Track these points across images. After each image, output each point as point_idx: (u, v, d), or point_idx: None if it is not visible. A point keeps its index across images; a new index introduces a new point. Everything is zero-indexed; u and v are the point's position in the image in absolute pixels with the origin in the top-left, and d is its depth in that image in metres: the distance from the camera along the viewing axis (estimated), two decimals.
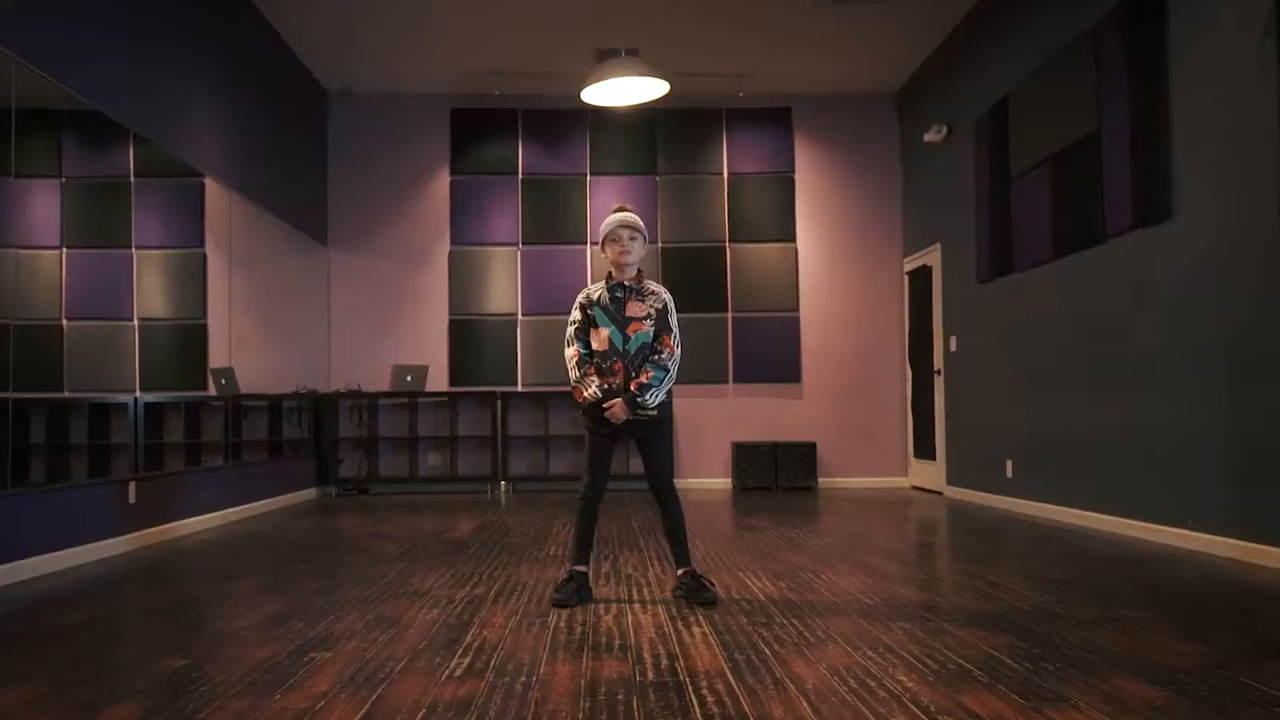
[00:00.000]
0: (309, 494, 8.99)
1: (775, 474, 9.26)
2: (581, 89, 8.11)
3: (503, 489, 9.30)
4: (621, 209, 3.82)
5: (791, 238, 9.70)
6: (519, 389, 9.49)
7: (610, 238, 3.77)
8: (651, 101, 8.62)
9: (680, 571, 3.75)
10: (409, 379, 9.25)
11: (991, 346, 7.55)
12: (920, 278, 9.18)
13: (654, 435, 3.77)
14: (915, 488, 9.35)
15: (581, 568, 3.76)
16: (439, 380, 9.49)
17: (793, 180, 9.76)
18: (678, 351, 3.75)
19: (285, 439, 8.93)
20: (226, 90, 7.32)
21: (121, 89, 5.78)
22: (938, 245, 8.71)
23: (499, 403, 9.32)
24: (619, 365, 3.71)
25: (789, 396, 9.62)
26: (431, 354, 9.53)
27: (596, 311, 3.76)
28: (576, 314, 3.82)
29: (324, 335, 9.52)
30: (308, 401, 9.12)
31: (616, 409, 3.66)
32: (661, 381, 3.68)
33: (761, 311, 9.58)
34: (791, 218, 9.71)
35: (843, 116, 9.79)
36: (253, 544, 5.72)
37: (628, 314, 3.73)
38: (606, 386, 3.69)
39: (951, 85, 8.38)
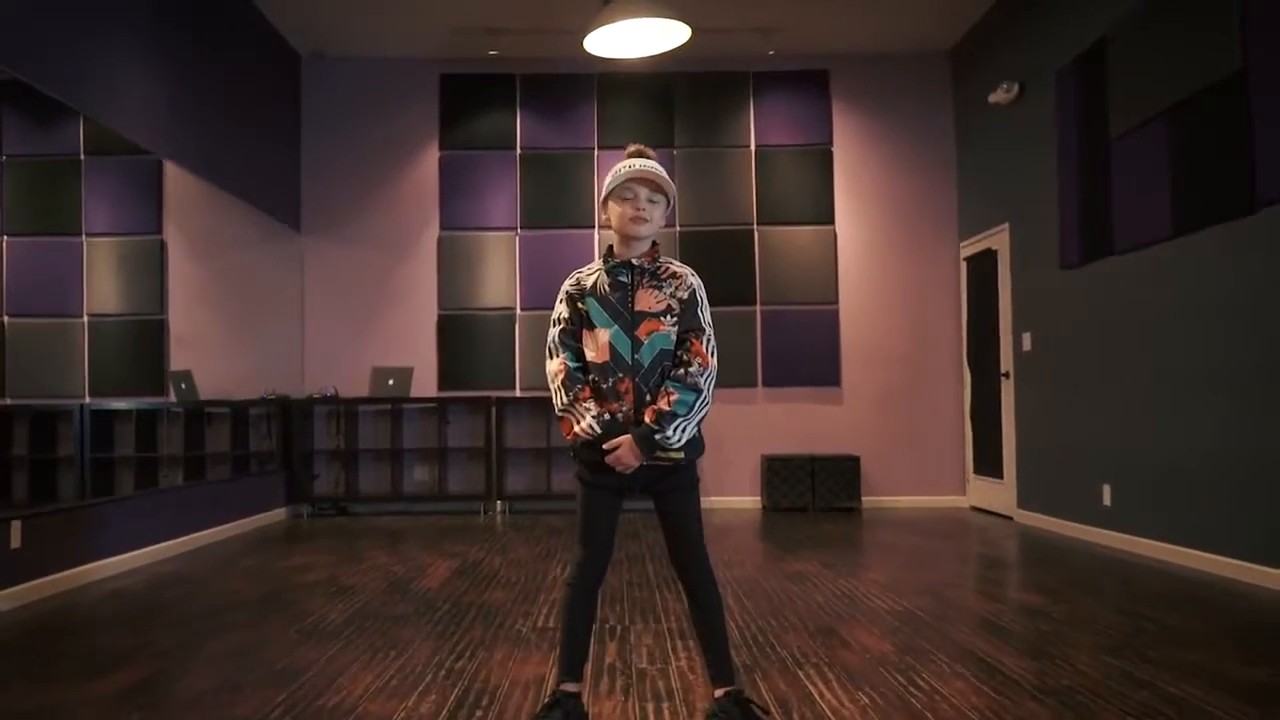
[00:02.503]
0: (277, 515, 7.81)
1: (812, 492, 8.01)
2: (587, 45, 6.87)
3: (498, 509, 8.09)
4: (640, 153, 2.58)
5: (829, 219, 8.43)
6: (517, 393, 8.27)
7: (619, 193, 2.54)
8: (669, 53, 7.33)
9: (719, 693, 2.51)
10: (391, 383, 8.05)
11: (1080, 345, 6.27)
12: (982, 264, 7.91)
13: (678, 489, 2.53)
14: (975, 509, 8.08)
15: (571, 686, 2.52)
16: (426, 384, 8.28)
17: (830, 153, 8.49)
18: (713, 362, 2.50)
19: (251, 451, 7.79)
20: (173, 50, 6.12)
21: (33, 44, 4.58)
22: (1005, 226, 7.43)
23: (494, 409, 8.11)
24: (627, 384, 2.47)
25: (827, 402, 8.36)
26: (418, 354, 8.32)
27: (592, 304, 2.53)
28: (562, 308, 2.59)
29: (296, 333, 8.32)
30: (277, 408, 7.94)
31: (623, 451, 2.43)
32: (691, 408, 2.45)
33: (795, 304, 8.33)
34: (829, 196, 8.45)
35: (888, 79, 8.51)
36: (168, 600, 4.52)
37: (639, 307, 2.50)
38: (608, 417, 2.46)
39: (1023, 34, 7.09)
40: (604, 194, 2.58)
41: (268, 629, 3.83)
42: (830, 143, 8.49)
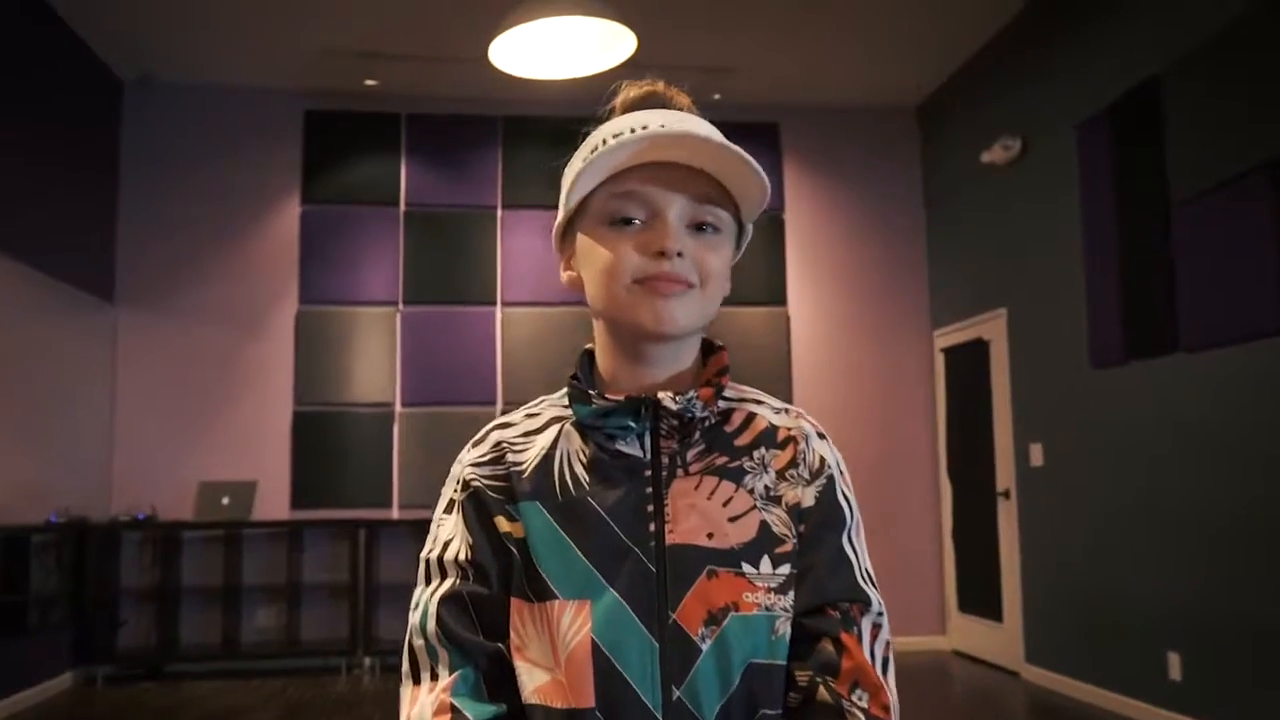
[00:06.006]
0: (60, 684, 5.82)
1: None
2: (491, 84, 5.32)
3: (365, 666, 6.23)
4: (655, 95, 1.00)
5: (781, 299, 7.02)
6: (394, 514, 6.50)
7: (605, 204, 0.92)
8: (591, 95, 5.78)
9: None
10: (226, 501, 6.19)
11: (1122, 463, 4.90)
12: (967, 357, 6.56)
13: None
14: (960, 654, 6.61)
15: None
16: (275, 502, 6.43)
17: (782, 221, 7.11)
18: (892, 693, 0.89)
19: (31, 595, 5.78)
20: None
21: None
22: (1001, 311, 6.10)
23: (363, 535, 6.31)
24: None
25: None
26: (265, 463, 6.48)
27: (537, 523, 0.92)
28: (453, 528, 0.96)
29: (103, 435, 6.39)
30: (69, 535, 5.98)
31: None
32: None
33: None
34: (781, 271, 7.05)
35: (846, 135, 7.21)
36: None
37: (678, 536, 0.90)
38: None
39: (1021, 83, 5.86)
40: (563, 208, 0.97)
41: None
42: (781, 208, 7.11)
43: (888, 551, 6.81)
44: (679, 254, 0.90)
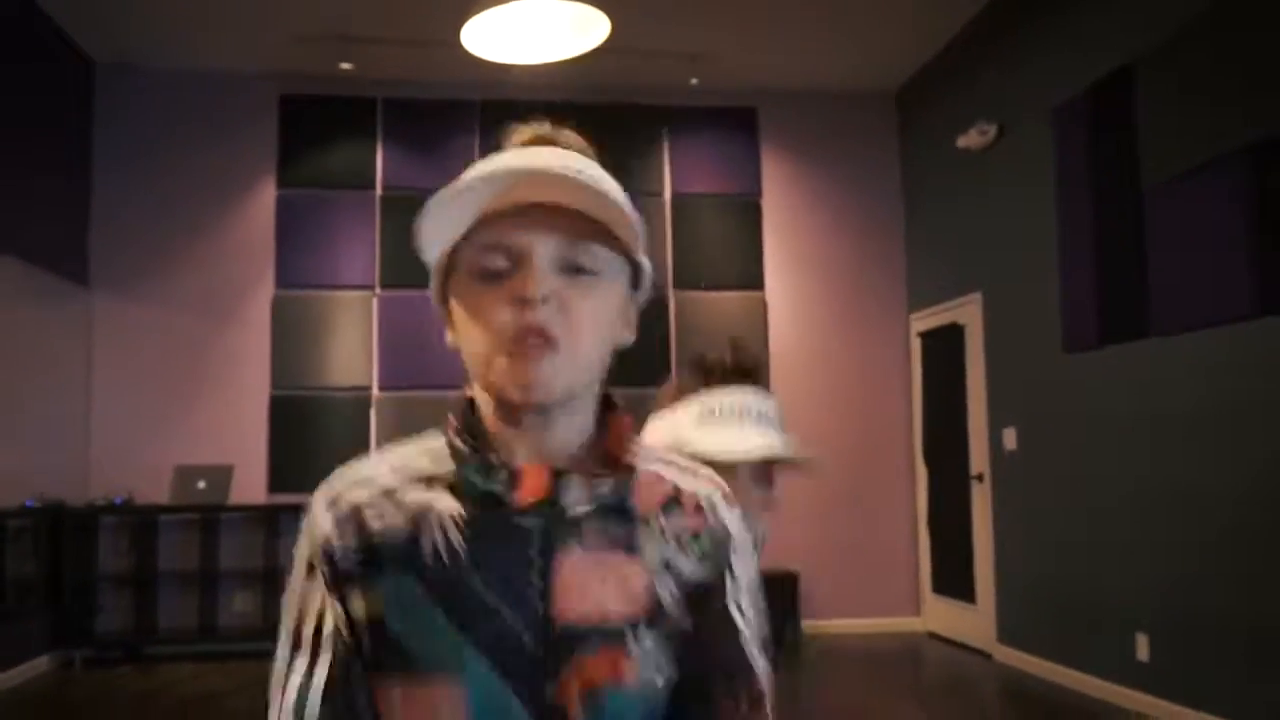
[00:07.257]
0: (37, 666, 5.81)
1: None
2: (468, 68, 5.30)
3: None
4: (543, 138, 0.89)
5: (758, 283, 7.03)
6: None
7: (473, 255, 0.83)
8: (568, 80, 5.86)
9: None
10: (202, 485, 6.18)
11: (1094, 448, 4.96)
12: (942, 341, 6.60)
13: None
14: (934, 636, 6.67)
15: None
16: (251, 486, 6.42)
17: (759, 205, 7.12)
18: None
19: (8, 580, 5.78)
20: None
21: None
22: (976, 295, 6.15)
23: None
24: None
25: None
26: (242, 446, 6.47)
27: (399, 591, 0.84)
28: (320, 604, 0.85)
29: (79, 420, 6.37)
30: (45, 520, 5.96)
31: None
32: None
33: None
34: (758, 255, 7.06)
35: (824, 120, 7.22)
36: None
37: (566, 612, 0.83)
38: None
39: (997, 69, 5.89)
40: (431, 266, 0.88)
41: None
42: (759, 193, 7.12)
43: (863, 534, 6.88)
44: (544, 300, 0.80)
